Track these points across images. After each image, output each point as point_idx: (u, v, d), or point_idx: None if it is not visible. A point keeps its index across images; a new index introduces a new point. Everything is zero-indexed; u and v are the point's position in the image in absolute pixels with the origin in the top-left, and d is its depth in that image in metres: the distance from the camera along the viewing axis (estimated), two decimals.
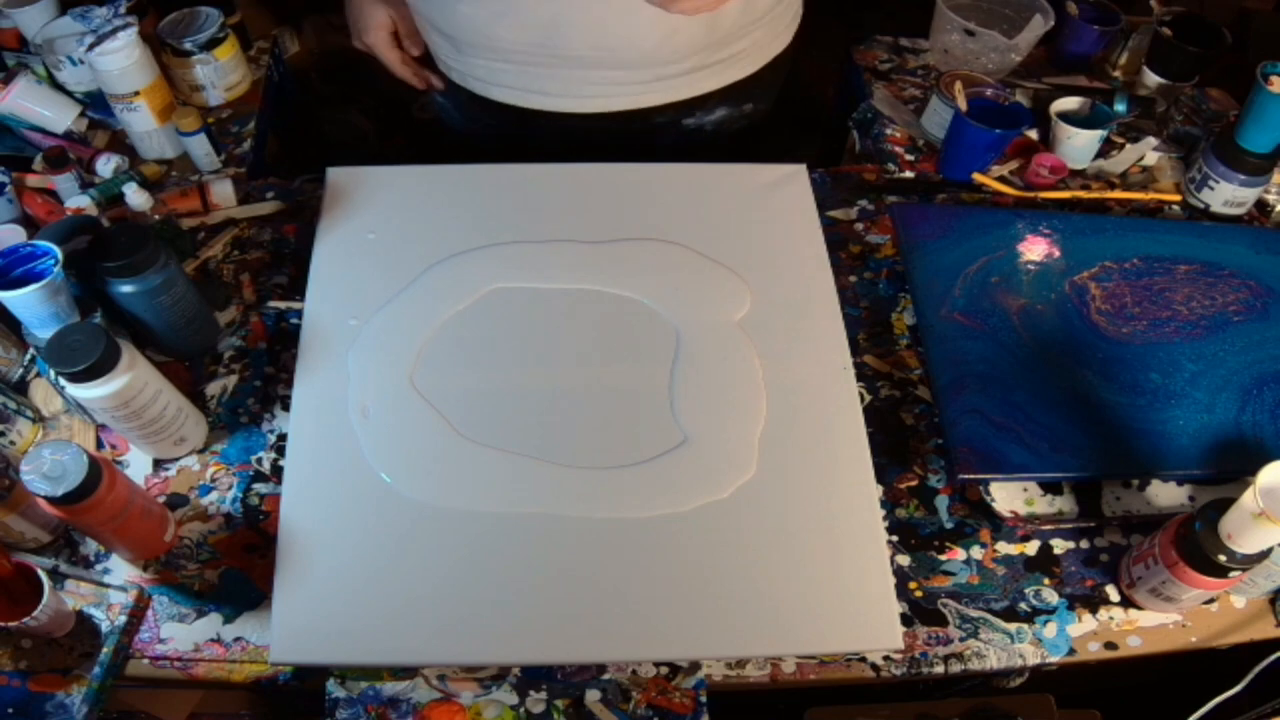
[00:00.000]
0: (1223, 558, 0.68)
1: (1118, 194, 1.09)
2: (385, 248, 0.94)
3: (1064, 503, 0.84)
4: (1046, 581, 0.80)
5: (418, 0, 0.99)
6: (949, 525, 0.82)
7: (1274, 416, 0.86)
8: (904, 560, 0.80)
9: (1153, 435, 0.84)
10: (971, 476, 0.82)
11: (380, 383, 0.84)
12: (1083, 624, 0.78)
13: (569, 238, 0.95)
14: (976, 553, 0.81)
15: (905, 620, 0.77)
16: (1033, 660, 0.76)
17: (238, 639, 0.74)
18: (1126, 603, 0.79)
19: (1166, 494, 0.85)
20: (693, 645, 0.73)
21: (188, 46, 1.07)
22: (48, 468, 0.65)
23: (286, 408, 0.85)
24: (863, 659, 0.76)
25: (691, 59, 0.99)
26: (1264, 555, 0.69)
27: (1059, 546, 0.82)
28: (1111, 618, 0.78)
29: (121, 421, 0.74)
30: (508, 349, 0.88)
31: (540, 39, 0.93)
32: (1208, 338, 0.92)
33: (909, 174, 1.10)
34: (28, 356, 0.84)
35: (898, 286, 0.98)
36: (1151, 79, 1.17)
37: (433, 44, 1.05)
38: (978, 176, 1.07)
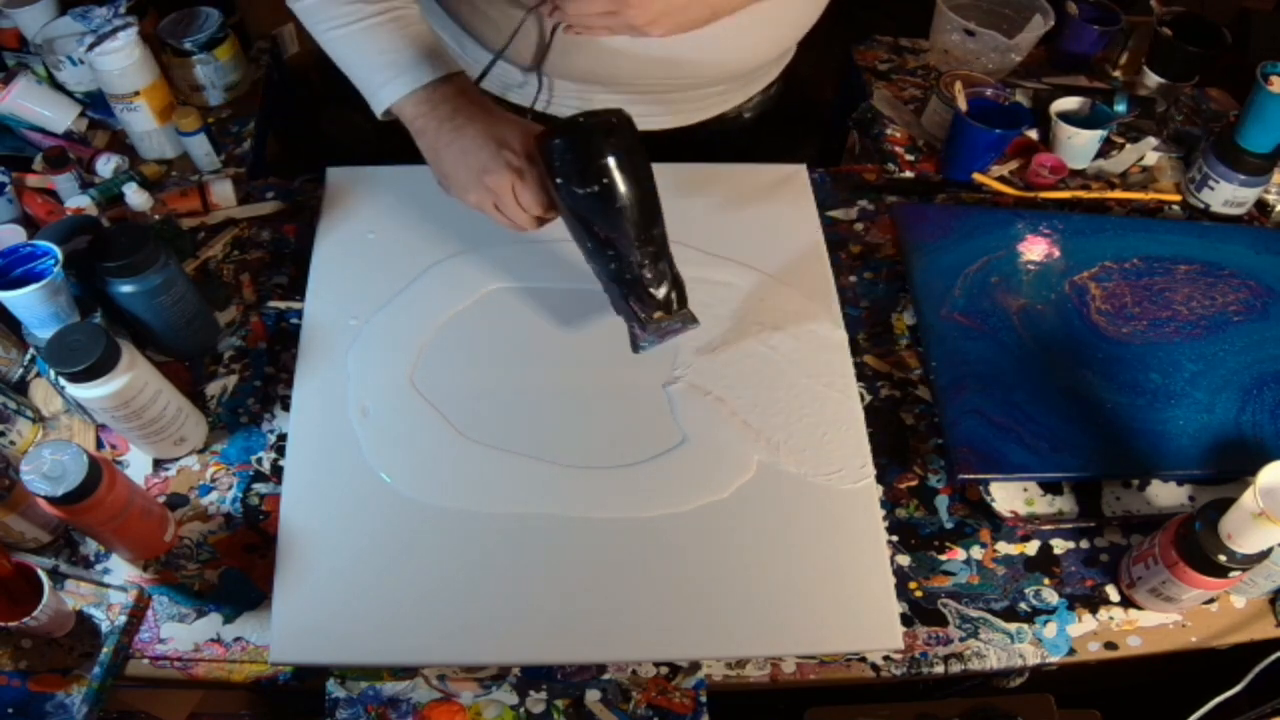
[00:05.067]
0: (1223, 558, 0.68)
1: (1118, 194, 1.09)
2: (385, 248, 0.94)
3: (1064, 503, 0.84)
4: (1046, 581, 0.80)
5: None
6: (949, 525, 0.82)
7: (1274, 416, 0.86)
8: (904, 560, 0.80)
9: (1153, 435, 0.84)
10: (971, 476, 0.82)
11: (380, 383, 0.84)
12: (1083, 624, 0.78)
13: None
14: (976, 553, 0.81)
15: (905, 620, 0.77)
16: (1033, 660, 0.76)
17: (238, 639, 0.74)
18: (1126, 603, 0.79)
19: (1166, 494, 0.85)
20: (693, 645, 0.73)
21: (188, 46, 1.07)
22: (48, 468, 0.65)
23: (286, 408, 0.85)
24: (863, 659, 0.76)
25: (722, 84, 0.99)
26: (1264, 555, 0.69)
27: (1059, 546, 0.82)
28: (1111, 618, 0.78)
29: (121, 421, 0.74)
30: (508, 349, 0.88)
31: (591, 65, 0.91)
32: (1208, 338, 0.92)
33: (909, 174, 1.10)
34: (28, 356, 0.84)
35: (898, 286, 0.98)
36: (1151, 79, 1.18)
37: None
38: (978, 176, 1.07)
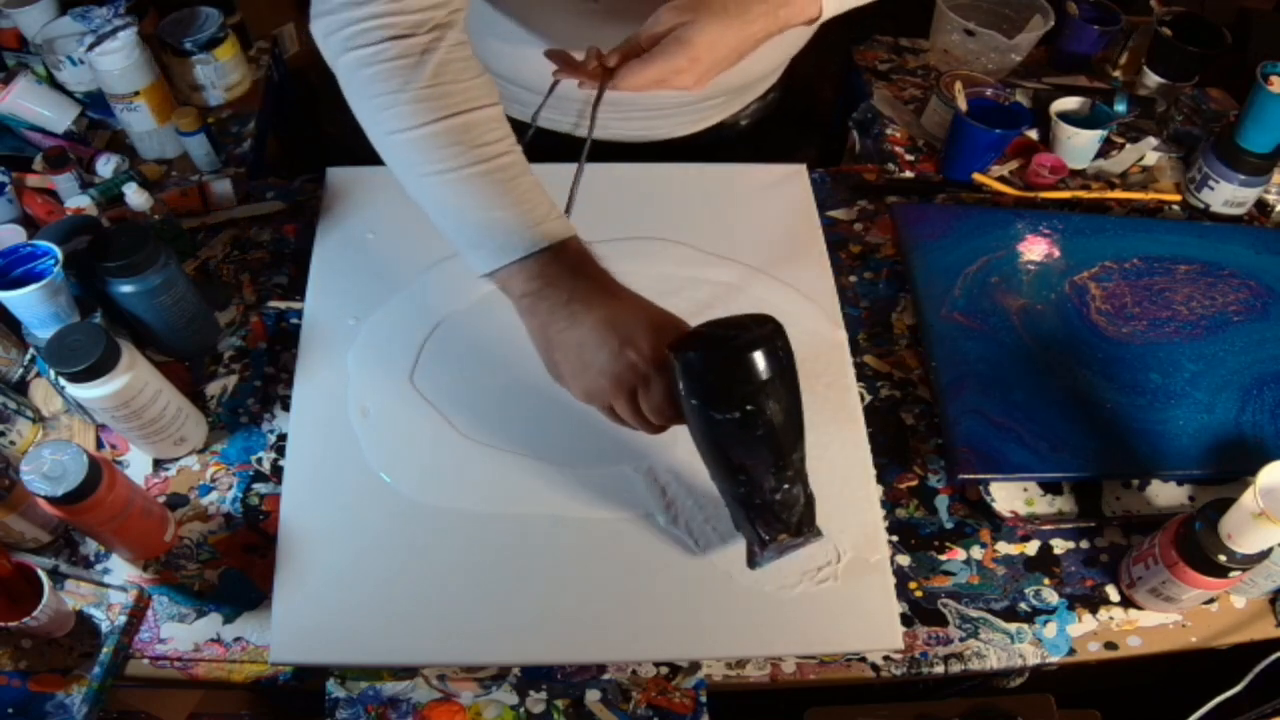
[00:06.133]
0: (1223, 558, 0.68)
1: (1118, 194, 1.09)
2: (385, 248, 0.94)
3: (1064, 503, 0.84)
4: (1046, 581, 0.80)
5: None
6: (949, 525, 0.82)
7: (1274, 416, 0.86)
8: (904, 560, 0.80)
9: (1153, 435, 0.84)
10: (971, 476, 0.82)
11: (380, 383, 0.84)
12: (1083, 624, 0.78)
13: None
14: (976, 553, 0.81)
15: (905, 620, 0.77)
16: (1033, 660, 0.76)
17: (238, 639, 0.74)
18: (1126, 603, 0.79)
19: (1166, 494, 0.85)
20: (693, 645, 0.73)
21: (188, 46, 1.07)
22: (48, 468, 0.65)
23: (286, 408, 0.85)
24: (863, 659, 0.76)
25: (721, 96, 1.00)
26: (1264, 555, 0.69)
27: (1059, 546, 0.82)
28: (1111, 618, 0.78)
29: (121, 421, 0.74)
30: (508, 349, 0.87)
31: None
32: (1208, 338, 0.92)
33: (909, 174, 1.10)
34: (28, 356, 0.84)
35: (898, 286, 0.98)
36: (1151, 79, 1.17)
37: None
38: (978, 176, 1.07)
